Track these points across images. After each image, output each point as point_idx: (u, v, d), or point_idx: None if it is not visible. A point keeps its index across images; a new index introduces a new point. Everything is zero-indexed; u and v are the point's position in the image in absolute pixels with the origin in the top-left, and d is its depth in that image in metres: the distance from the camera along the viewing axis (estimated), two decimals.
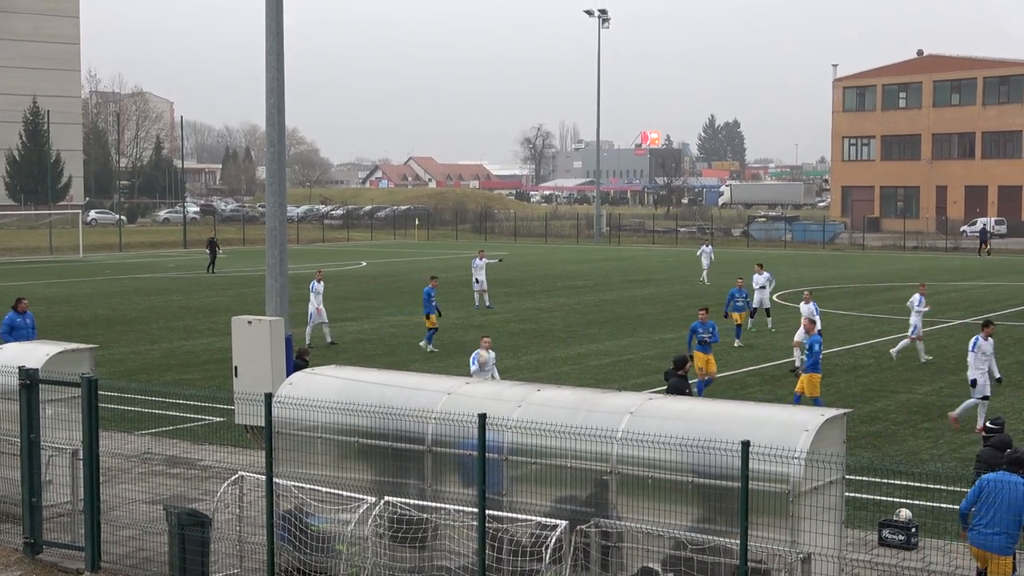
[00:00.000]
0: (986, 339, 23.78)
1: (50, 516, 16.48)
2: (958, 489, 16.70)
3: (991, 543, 12.45)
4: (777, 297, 44.79)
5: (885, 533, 15.89)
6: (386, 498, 13.60)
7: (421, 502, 13.58)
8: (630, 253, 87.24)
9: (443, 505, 13.42)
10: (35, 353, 17.89)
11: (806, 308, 31.83)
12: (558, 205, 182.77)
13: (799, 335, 30.94)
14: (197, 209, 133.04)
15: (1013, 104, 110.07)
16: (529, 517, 12.88)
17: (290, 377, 16.24)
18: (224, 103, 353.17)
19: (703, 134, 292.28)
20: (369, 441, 14.43)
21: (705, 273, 58.00)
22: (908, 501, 17.22)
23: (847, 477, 13.24)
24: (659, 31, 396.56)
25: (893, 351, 32.35)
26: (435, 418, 14.01)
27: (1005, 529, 12.40)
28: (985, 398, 23.51)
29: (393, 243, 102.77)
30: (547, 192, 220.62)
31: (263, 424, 14.25)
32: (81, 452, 15.43)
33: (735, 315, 36.01)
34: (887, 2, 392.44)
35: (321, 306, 36.17)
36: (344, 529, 13.67)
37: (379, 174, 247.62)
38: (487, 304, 45.93)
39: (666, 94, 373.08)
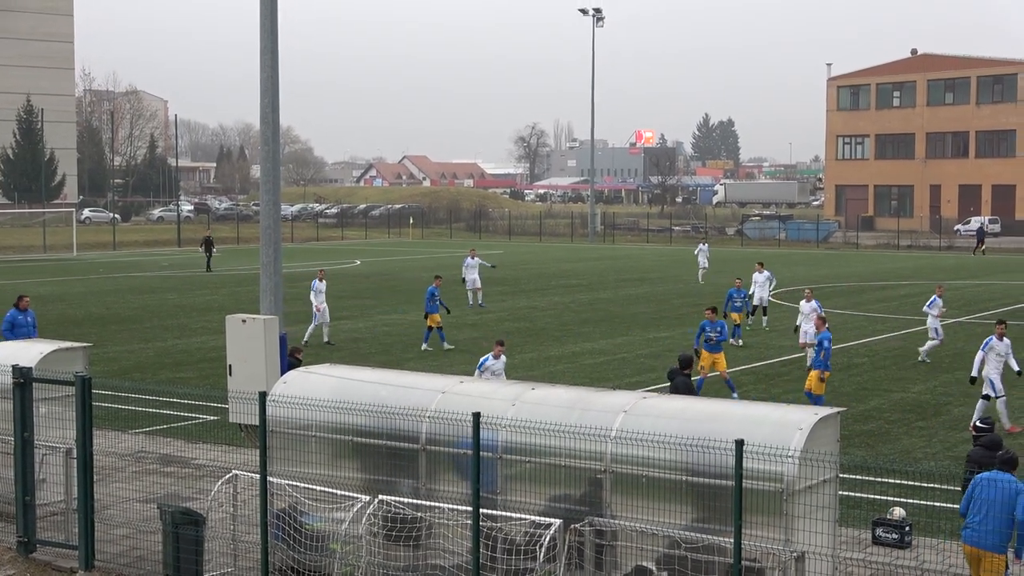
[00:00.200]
0: (1000, 339, 23.57)
1: (44, 515, 16.47)
2: (952, 488, 16.73)
3: (984, 541, 12.48)
4: (772, 296, 44.75)
5: (879, 531, 15.91)
6: (380, 497, 13.59)
7: (415, 501, 13.58)
8: (624, 252, 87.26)
9: (437, 504, 13.42)
10: (29, 352, 17.88)
11: (807, 306, 31.74)
12: (552, 204, 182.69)
13: (806, 337, 31.04)
14: (191, 208, 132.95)
15: (1007, 103, 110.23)
16: (523, 516, 12.88)
17: (284, 376, 16.24)
18: (218, 102, 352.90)
19: (697, 133, 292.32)
20: (363, 440, 14.43)
21: (700, 272, 58.00)
22: (902, 500, 17.24)
23: (841, 476, 13.27)
24: (657, 31, 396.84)
25: (922, 352, 32.33)
26: (429, 417, 14.01)
27: (998, 527, 12.43)
28: (986, 397, 23.39)
29: (387, 242, 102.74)
30: (541, 191, 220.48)
31: (257, 423, 14.24)
32: (75, 451, 15.42)
33: (734, 315, 36.02)
34: (886, 2, 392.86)
35: (323, 305, 36.12)
36: (338, 528, 13.66)
37: (373, 173, 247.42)
38: (480, 303, 45.94)
39: (662, 93, 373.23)
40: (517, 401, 13.90)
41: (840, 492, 13.25)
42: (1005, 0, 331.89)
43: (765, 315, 40.12)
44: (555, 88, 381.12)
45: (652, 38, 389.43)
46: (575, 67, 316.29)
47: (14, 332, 24.65)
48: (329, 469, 14.57)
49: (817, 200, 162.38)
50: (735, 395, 25.71)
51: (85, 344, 19.19)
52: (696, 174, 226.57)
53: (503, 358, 22.82)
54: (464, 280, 46.28)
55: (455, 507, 13.21)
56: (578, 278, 61.04)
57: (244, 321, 18.52)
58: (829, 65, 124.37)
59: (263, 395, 14.30)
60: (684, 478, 12.40)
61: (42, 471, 16.36)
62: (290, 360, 20.17)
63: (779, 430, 12.25)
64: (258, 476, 14.13)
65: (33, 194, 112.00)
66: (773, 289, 41.54)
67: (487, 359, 22.72)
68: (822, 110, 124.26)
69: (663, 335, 37.82)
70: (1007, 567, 12.71)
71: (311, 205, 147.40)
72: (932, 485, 18.40)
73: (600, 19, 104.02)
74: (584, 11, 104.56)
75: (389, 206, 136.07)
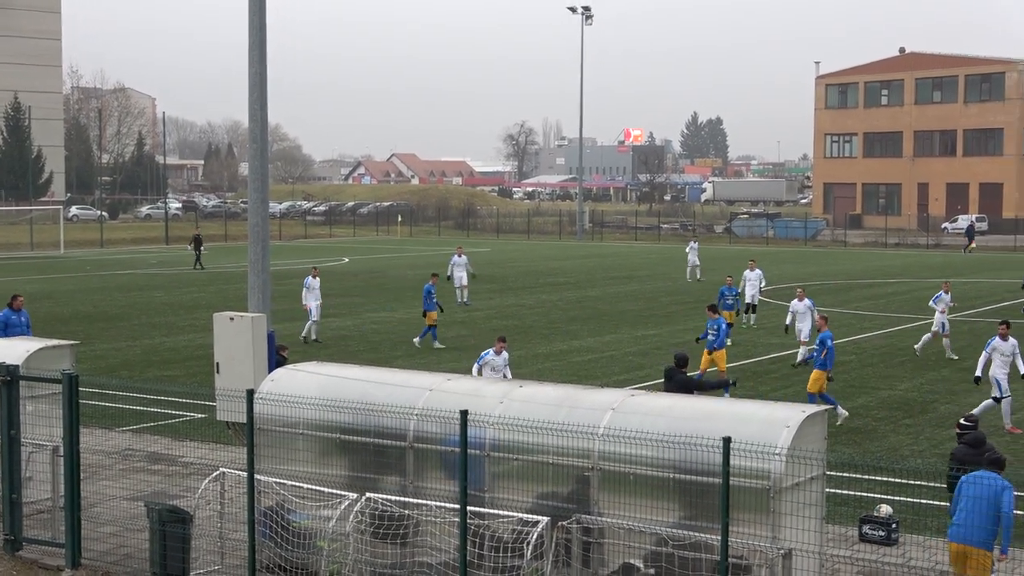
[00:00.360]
0: (1004, 339, 23.45)
1: (30, 513, 16.43)
2: (938, 485, 16.76)
3: (971, 537, 12.52)
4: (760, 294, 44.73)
5: (865, 529, 15.95)
6: (368, 494, 13.59)
7: (403, 498, 13.58)
8: (612, 250, 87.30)
9: (425, 501, 13.42)
10: (15, 349, 17.82)
11: (801, 305, 31.64)
12: (541, 202, 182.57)
13: (802, 335, 31.09)
14: (179, 205, 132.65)
15: (994, 102, 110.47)
16: (511, 513, 12.88)
17: (272, 373, 16.23)
18: (207, 99, 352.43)
19: (686, 131, 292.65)
20: (351, 437, 14.43)
21: (689, 270, 58.05)
22: (888, 497, 17.28)
23: (828, 473, 13.29)
24: (645, 29, 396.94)
25: (947, 351, 32.43)
26: (417, 414, 14.01)
27: (984, 523, 12.48)
28: (996, 399, 23.35)
29: (376, 239, 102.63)
30: (530, 189, 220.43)
31: (245, 420, 14.22)
32: (62, 448, 15.39)
33: (725, 313, 36.00)
34: (874, 0, 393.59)
35: (313, 303, 36.04)
36: (325, 525, 13.66)
37: (362, 170, 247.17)
38: (464, 301, 45.90)
39: (650, 92, 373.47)
40: (505, 399, 13.90)
41: (827, 489, 13.27)
42: None
43: (753, 313, 40.14)
44: (544, 86, 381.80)
45: (640, 36, 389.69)
46: (564, 65, 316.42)
47: (8, 332, 24.61)
48: (316, 467, 14.56)
49: (805, 198, 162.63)
50: (726, 393, 25.65)
51: (72, 342, 19.14)
52: (684, 172, 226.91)
53: (505, 354, 22.92)
54: (451, 278, 46.30)
55: (442, 505, 13.22)
56: (566, 276, 61.05)
57: (232, 319, 18.50)
58: (817, 63, 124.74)
59: (251, 393, 14.28)
60: (672, 475, 12.41)
61: (29, 469, 16.32)
62: (276, 357, 20.13)
63: (766, 428, 12.27)
64: (245, 474, 14.12)
65: (20, 192, 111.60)
66: (762, 288, 41.58)
67: (488, 353, 22.82)
68: (810, 108, 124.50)
69: (651, 333, 37.86)
70: (992, 564, 12.76)
71: (299, 203, 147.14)
72: (919, 483, 18.44)
73: (589, 17, 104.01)
74: (573, 9, 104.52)
75: (377, 204, 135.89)
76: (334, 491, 13.86)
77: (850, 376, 29.80)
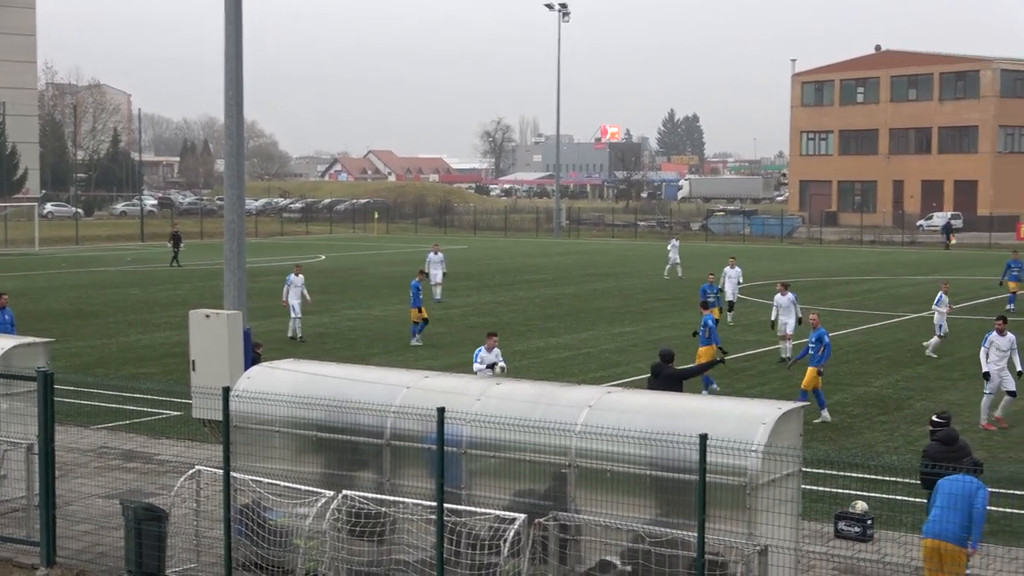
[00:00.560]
0: (1001, 334, 23.49)
1: (5, 511, 16.36)
2: (913, 481, 16.84)
3: (946, 532, 12.57)
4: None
5: (841, 525, 16.00)
6: (344, 492, 13.57)
7: (379, 496, 13.56)
8: (589, 247, 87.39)
9: (401, 499, 13.41)
10: None
11: (785, 299, 31.58)
12: (518, 199, 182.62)
13: (786, 328, 31.12)
14: (155, 202, 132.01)
15: (969, 99, 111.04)
16: (488, 511, 12.88)
17: (248, 371, 16.18)
18: (183, 96, 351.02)
19: (662, 128, 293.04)
20: (327, 435, 14.40)
21: (668, 268, 58.16)
22: (864, 493, 17.37)
23: (804, 470, 13.33)
24: (618, 27, 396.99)
25: (928, 350, 32.37)
26: (394, 412, 14.00)
27: (959, 519, 12.54)
28: (1012, 393, 23.40)
29: (352, 236, 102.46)
30: (507, 186, 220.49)
31: (221, 418, 14.18)
32: (36, 446, 15.31)
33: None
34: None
35: (295, 301, 35.94)
36: (302, 523, 13.63)
37: (338, 167, 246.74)
38: (437, 298, 45.81)
39: (627, 89, 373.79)
40: (482, 396, 13.90)
41: (803, 486, 13.32)
42: None
43: (731, 311, 40.19)
44: (521, 83, 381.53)
45: (610, 34, 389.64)
46: (540, 62, 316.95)
47: None
48: (293, 464, 14.53)
49: (781, 195, 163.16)
50: (706, 391, 25.69)
51: (47, 339, 19.03)
52: (661, 169, 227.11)
53: (497, 349, 23.12)
54: (428, 275, 46.24)
55: (419, 502, 13.21)
56: (543, 273, 61.09)
57: (208, 316, 18.44)
58: (794, 61, 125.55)
59: (227, 390, 14.24)
60: (648, 472, 12.44)
61: (3, 467, 16.25)
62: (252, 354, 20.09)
63: (743, 425, 12.30)
64: (221, 471, 14.09)
65: None
66: (740, 285, 41.63)
67: (481, 350, 23.01)
68: (787, 106, 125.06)
69: (628, 330, 37.91)
70: (967, 559, 12.83)
71: (275, 200, 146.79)
72: (894, 479, 18.54)
73: (566, 14, 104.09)
74: (550, 6, 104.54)
75: (354, 201, 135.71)
76: (311, 489, 13.84)
77: (826, 373, 29.81)
